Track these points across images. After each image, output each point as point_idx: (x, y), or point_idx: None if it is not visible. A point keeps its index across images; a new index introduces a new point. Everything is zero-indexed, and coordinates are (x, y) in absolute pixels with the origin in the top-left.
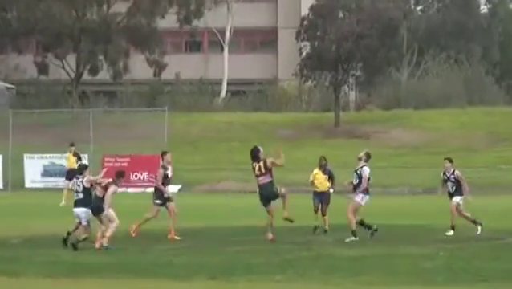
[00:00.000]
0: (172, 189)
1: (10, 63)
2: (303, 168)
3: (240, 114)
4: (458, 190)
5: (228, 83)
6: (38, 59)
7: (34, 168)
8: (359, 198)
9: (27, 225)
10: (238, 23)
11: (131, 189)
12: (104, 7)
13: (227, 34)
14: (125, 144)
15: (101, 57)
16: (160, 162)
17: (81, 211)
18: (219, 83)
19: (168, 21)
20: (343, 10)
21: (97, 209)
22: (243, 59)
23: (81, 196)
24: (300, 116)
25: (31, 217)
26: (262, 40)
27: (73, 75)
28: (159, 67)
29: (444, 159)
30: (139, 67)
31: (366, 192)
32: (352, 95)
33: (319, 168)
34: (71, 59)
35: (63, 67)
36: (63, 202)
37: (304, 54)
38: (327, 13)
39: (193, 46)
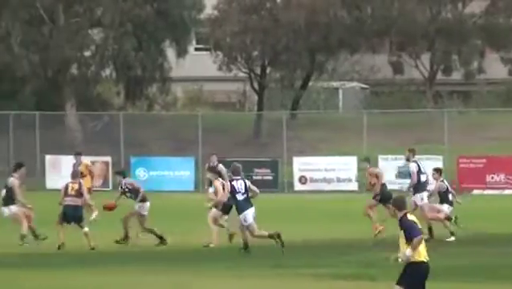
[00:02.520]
0: None
1: (365, 63)
2: None
3: None
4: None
5: None
6: (393, 58)
7: (388, 170)
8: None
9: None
10: None
11: (487, 191)
12: (459, 6)
13: None
14: (481, 145)
15: (455, 57)
16: None
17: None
18: None
19: None
20: None
21: None
22: None
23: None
24: None
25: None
26: None
27: (427, 74)
28: None
29: None
30: (494, 67)
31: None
32: None
33: None
34: (425, 59)
35: (417, 67)
36: None
37: None
38: None
39: None
